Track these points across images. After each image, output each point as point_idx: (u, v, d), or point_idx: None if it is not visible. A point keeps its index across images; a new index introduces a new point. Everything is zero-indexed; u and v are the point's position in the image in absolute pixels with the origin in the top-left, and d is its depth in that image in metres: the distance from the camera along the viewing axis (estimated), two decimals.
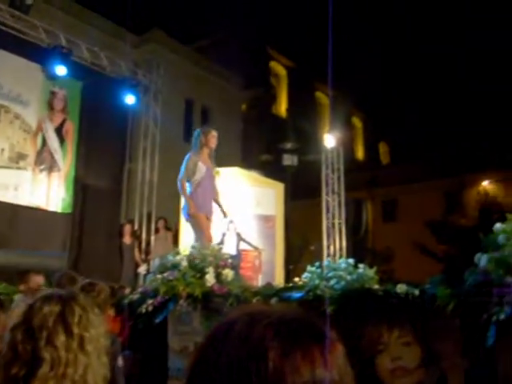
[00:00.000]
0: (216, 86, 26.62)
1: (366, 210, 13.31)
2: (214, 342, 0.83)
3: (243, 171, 12.35)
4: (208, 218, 6.94)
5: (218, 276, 5.24)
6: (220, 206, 7.41)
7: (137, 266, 11.39)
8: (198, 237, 6.68)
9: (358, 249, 13.05)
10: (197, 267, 5.29)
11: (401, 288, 4.03)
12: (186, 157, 6.94)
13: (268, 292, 5.07)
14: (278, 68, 43.85)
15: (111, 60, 12.48)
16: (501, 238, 3.66)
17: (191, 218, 6.77)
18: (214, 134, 7.11)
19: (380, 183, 34.65)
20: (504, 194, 29.55)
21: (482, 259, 3.69)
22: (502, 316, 3.39)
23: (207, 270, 5.20)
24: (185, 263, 5.30)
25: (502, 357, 3.62)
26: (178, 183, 6.85)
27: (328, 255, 11.76)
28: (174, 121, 22.95)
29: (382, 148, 47.46)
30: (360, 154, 44.96)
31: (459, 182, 31.91)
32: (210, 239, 6.75)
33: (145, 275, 11.15)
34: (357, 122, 45.94)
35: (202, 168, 6.93)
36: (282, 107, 41.09)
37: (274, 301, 4.82)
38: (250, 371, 0.75)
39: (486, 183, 31.52)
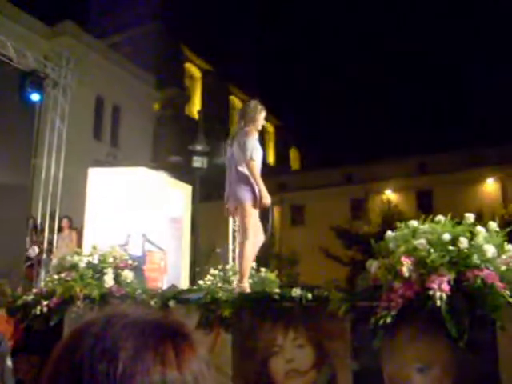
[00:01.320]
0: (129, 83, 26.21)
1: (272, 215, 13.47)
2: (70, 343, 0.83)
3: (151, 172, 12.21)
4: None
5: (116, 277, 5.17)
6: None
7: (39, 263, 11.03)
8: (246, 230, 5.32)
9: (263, 252, 13.17)
10: (96, 268, 5.19)
11: (295, 292, 4.13)
12: (246, 132, 5.35)
13: (166, 294, 5.05)
14: (194, 70, 43.75)
15: (19, 51, 12.00)
16: (391, 245, 3.84)
17: (253, 208, 5.32)
18: (264, 114, 5.63)
19: (289, 188, 35.29)
20: (404, 202, 30.99)
21: (373, 265, 3.86)
22: (389, 320, 3.55)
23: (106, 271, 5.12)
24: (83, 264, 5.19)
25: (387, 359, 3.80)
26: (248, 163, 5.25)
27: (233, 259, 11.83)
28: (84, 117, 22.40)
29: (293, 154, 48.37)
30: (271, 158, 45.56)
31: (364, 190, 33.15)
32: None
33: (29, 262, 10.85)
34: (269, 127, 46.51)
35: (259, 148, 5.43)
36: (196, 109, 40.96)
37: (172, 303, 4.81)
38: (100, 371, 0.76)
39: (389, 192, 32.85)
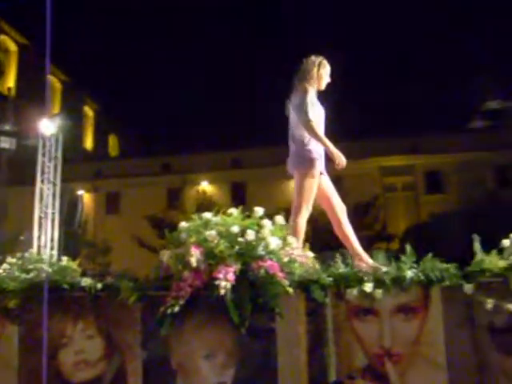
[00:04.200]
0: None
1: (81, 201, 13.08)
2: None
3: None
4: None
5: None
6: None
7: None
8: (301, 199, 4.68)
9: (73, 240, 12.77)
10: None
11: (86, 281, 4.06)
12: (299, 90, 4.82)
13: None
14: (9, 43, 40.95)
15: None
16: (183, 236, 3.92)
17: (308, 178, 4.69)
18: (328, 69, 5.01)
19: (106, 175, 34.52)
20: (219, 194, 31.98)
21: (165, 255, 3.92)
22: (177, 309, 3.64)
23: None
24: None
25: (176, 347, 3.88)
26: (304, 124, 4.68)
27: (39, 246, 11.32)
28: None
29: (112, 140, 47.23)
30: (89, 144, 44.09)
31: (181, 180, 33.57)
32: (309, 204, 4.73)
33: None
34: (89, 111, 44.98)
35: (320, 108, 4.90)
36: (9, 85, 38.30)
37: None
38: None
39: (205, 183, 33.62)
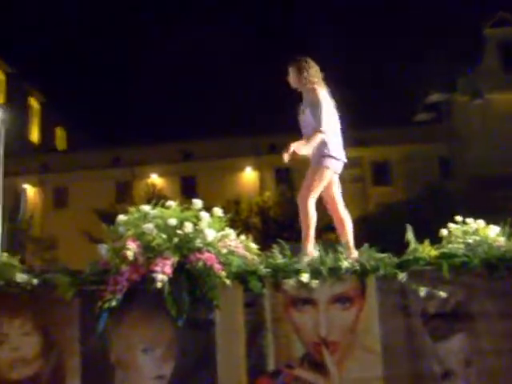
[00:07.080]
0: None
1: (25, 195, 12.82)
2: None
3: None
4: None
5: None
6: None
7: None
8: (310, 187, 4.68)
9: (17, 236, 12.50)
10: None
11: (21, 277, 3.98)
12: (313, 89, 4.76)
13: None
14: None
15: None
16: (121, 229, 3.89)
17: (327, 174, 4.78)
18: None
19: (53, 169, 33.79)
20: (169, 187, 31.84)
21: (103, 249, 3.87)
22: (114, 303, 3.61)
23: None
24: None
25: (114, 342, 3.85)
26: (318, 131, 4.64)
27: None
28: None
29: (59, 133, 46.16)
30: (35, 137, 42.95)
31: (130, 173, 33.21)
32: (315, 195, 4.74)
33: None
34: (34, 102, 43.81)
35: (331, 102, 4.89)
36: None
37: None
38: None
39: (154, 176, 33.37)
